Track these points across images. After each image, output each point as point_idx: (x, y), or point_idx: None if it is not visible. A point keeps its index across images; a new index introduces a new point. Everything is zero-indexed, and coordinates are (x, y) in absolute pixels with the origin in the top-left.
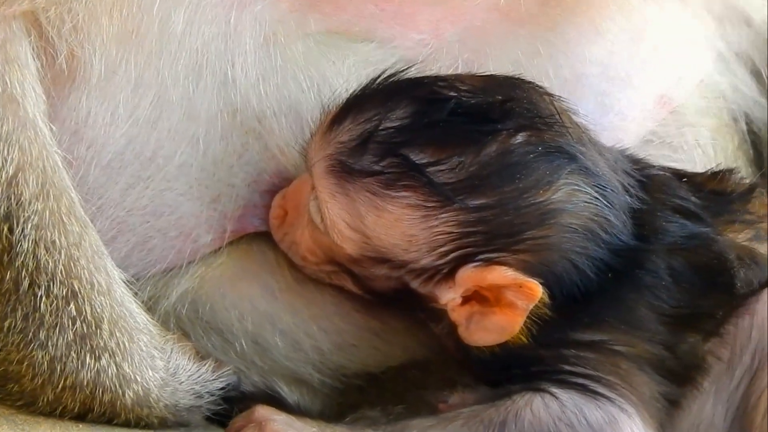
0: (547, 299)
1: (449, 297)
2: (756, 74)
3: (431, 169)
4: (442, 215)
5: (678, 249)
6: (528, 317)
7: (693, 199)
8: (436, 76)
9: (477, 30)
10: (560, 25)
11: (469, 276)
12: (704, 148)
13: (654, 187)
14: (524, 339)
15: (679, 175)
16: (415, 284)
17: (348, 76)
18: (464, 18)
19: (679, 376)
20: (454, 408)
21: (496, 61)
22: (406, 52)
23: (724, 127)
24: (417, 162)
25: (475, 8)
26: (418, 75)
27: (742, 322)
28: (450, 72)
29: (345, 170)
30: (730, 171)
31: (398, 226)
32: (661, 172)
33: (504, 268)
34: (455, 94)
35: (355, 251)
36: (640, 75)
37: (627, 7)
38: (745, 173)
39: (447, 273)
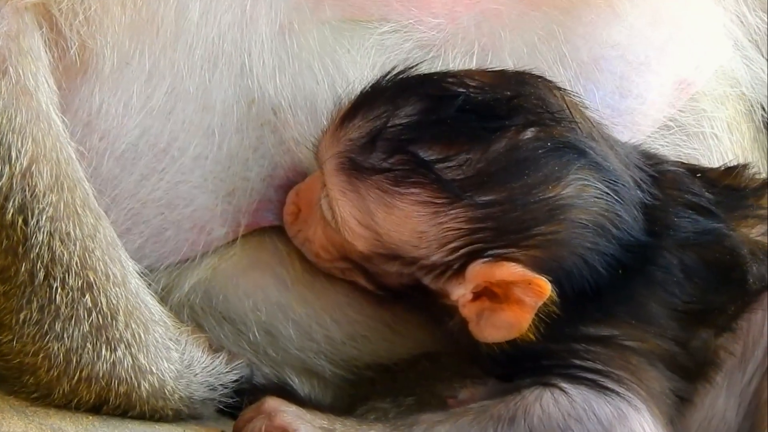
0: (556, 297)
1: (460, 293)
2: None
3: (439, 165)
4: (451, 211)
5: (690, 244)
6: (537, 315)
7: (706, 194)
8: (445, 72)
9: (492, 13)
10: (577, 7)
11: (478, 272)
12: (720, 139)
13: (667, 182)
14: (532, 337)
15: (694, 170)
16: (426, 280)
17: (363, 64)
18: (479, 1)
19: (690, 372)
20: (463, 403)
21: (512, 45)
22: (422, 36)
23: (740, 117)
24: (425, 159)
25: None
26: (428, 71)
27: (755, 317)
28: (466, 59)
29: (354, 167)
30: (745, 166)
31: (408, 222)
32: (675, 168)
33: (513, 264)
34: (464, 91)
35: (366, 248)
36: (658, 59)
37: None
38: (761, 164)
39: (457, 269)
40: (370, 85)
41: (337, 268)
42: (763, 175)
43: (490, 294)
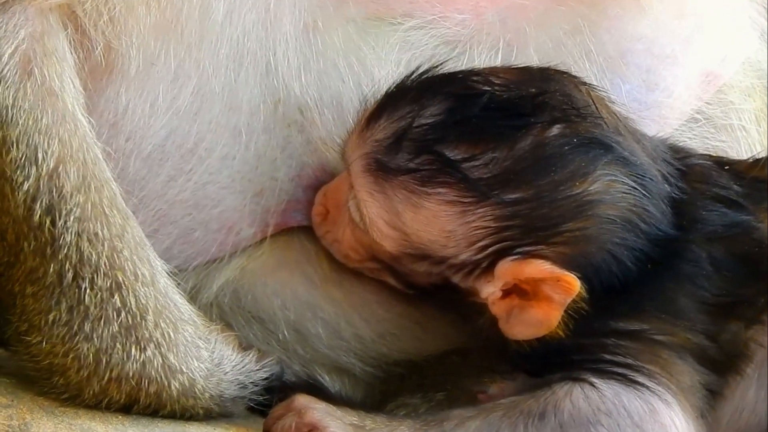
0: (584, 293)
1: (489, 291)
2: None
3: (466, 164)
4: (479, 210)
5: (719, 237)
6: (566, 311)
7: (734, 187)
8: (470, 71)
9: (517, 8)
10: (602, 1)
11: (507, 269)
12: (748, 131)
13: (694, 176)
14: (562, 333)
15: (721, 163)
16: (455, 279)
17: (388, 62)
18: None
19: (721, 365)
20: (493, 398)
21: (537, 40)
22: (446, 33)
23: None
24: (451, 158)
25: None
26: (452, 70)
27: None
28: (491, 54)
29: (381, 168)
30: None
31: (436, 222)
32: (702, 161)
33: (541, 261)
34: (488, 89)
35: (395, 249)
36: (685, 51)
37: None
38: None
39: (486, 267)
40: (394, 85)
41: (366, 268)
42: None
43: (519, 291)
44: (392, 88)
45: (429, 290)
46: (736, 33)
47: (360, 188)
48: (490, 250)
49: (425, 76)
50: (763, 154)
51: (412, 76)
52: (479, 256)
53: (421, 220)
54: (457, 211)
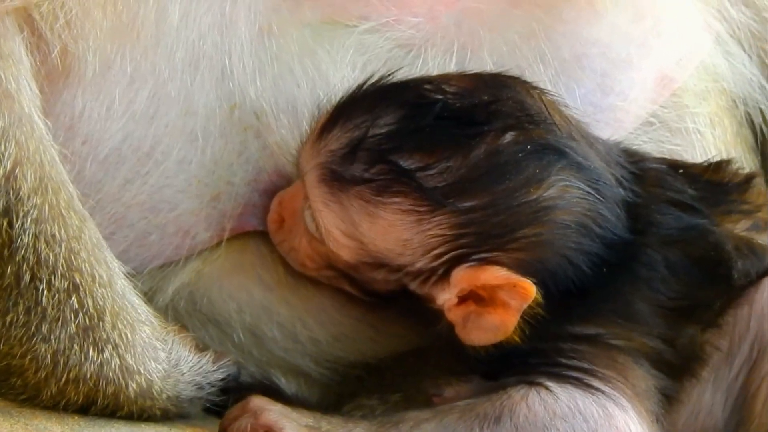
0: (540, 299)
1: (445, 297)
2: (756, 57)
3: (421, 174)
4: (434, 218)
5: (674, 241)
6: (522, 316)
7: (689, 190)
8: (422, 79)
9: (472, 12)
10: (558, 6)
11: (462, 276)
12: (703, 134)
13: (649, 179)
14: (518, 339)
15: (676, 166)
16: (412, 286)
17: (343, 65)
18: None
19: (677, 369)
20: (449, 401)
21: (492, 43)
22: (401, 36)
23: (723, 112)
24: (406, 168)
25: None
26: (405, 78)
27: (741, 313)
28: (446, 57)
29: (336, 179)
30: (728, 161)
31: (392, 231)
32: (657, 165)
33: (497, 267)
34: (441, 97)
35: (351, 258)
36: (640, 55)
37: None
38: (744, 159)
39: (442, 274)
40: (347, 94)
41: (324, 276)
42: (746, 170)
43: (475, 298)
44: (345, 97)
45: (387, 297)
46: (690, 37)
47: (315, 198)
48: (446, 257)
49: (378, 84)
50: (717, 158)
51: (365, 85)
52: (435, 263)
53: (377, 230)
54: (412, 220)
